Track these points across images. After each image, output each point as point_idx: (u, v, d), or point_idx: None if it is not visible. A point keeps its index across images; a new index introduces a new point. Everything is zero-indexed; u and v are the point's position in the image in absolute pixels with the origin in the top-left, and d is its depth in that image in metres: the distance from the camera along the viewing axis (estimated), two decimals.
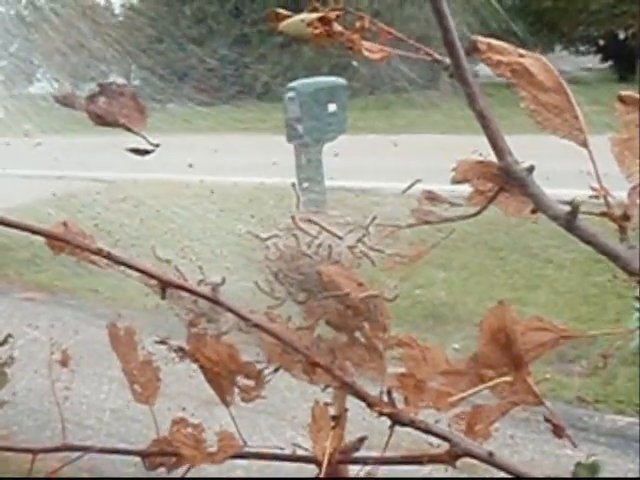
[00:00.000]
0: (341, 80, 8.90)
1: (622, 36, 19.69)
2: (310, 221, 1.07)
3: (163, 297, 1.01)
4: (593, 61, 20.25)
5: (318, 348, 1.02)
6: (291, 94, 8.15)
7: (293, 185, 1.10)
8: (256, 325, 0.97)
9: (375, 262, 1.07)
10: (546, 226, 0.91)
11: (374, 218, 1.05)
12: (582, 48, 20.57)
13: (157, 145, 0.91)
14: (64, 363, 1.13)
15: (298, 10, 0.97)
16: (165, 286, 0.99)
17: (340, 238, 1.06)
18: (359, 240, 1.05)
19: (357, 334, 1.03)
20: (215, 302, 1.00)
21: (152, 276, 0.96)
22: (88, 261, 0.99)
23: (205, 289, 1.04)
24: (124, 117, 0.91)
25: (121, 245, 1.11)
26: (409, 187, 1.07)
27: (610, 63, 19.92)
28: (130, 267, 0.92)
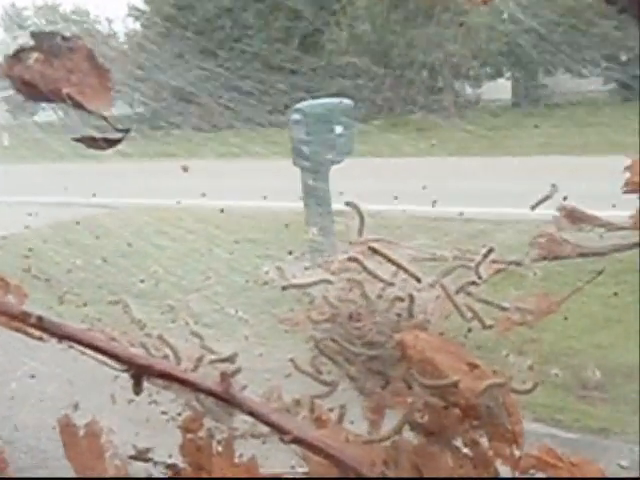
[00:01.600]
0: (347, 101, 8.80)
1: (624, 58, 19.94)
2: (375, 251, 0.68)
3: (137, 391, 0.60)
4: (596, 83, 20.45)
5: (397, 466, 0.62)
6: (297, 116, 8.01)
7: (348, 204, 0.70)
8: (297, 441, 0.57)
9: (485, 321, 0.66)
10: None
11: (490, 251, 0.64)
12: (584, 71, 20.80)
13: (127, 130, 0.53)
14: None
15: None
16: (140, 373, 0.59)
17: (418, 281, 0.66)
18: (462, 288, 0.65)
19: (460, 442, 0.61)
20: (226, 400, 0.60)
21: (116, 357, 0.56)
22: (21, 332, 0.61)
23: (208, 374, 0.65)
24: (72, 85, 0.53)
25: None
26: (540, 202, 0.69)
27: (613, 85, 20.14)
28: (77, 341, 0.53)
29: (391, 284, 0.66)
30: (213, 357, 0.71)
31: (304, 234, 0.75)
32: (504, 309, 0.70)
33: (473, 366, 0.61)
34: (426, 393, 0.63)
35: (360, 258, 0.67)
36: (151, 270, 0.84)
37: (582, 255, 0.71)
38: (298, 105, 8.21)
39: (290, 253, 0.75)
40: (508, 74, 20.39)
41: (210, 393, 0.66)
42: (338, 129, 8.16)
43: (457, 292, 0.68)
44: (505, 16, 19.66)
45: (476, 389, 0.59)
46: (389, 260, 0.66)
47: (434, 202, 1.10)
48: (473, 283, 0.68)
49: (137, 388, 0.66)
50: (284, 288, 0.68)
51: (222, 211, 1.08)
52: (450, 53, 17.08)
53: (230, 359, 0.70)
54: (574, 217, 0.70)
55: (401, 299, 0.68)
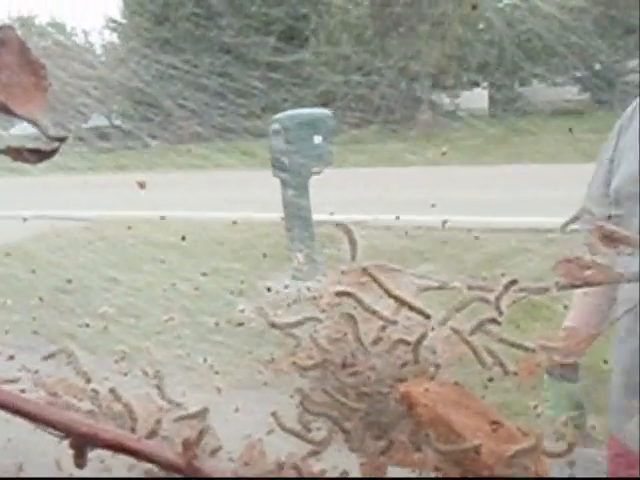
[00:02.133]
0: (326, 111, 8.79)
1: (598, 67, 20.34)
2: (374, 279, 0.56)
3: (79, 464, 0.48)
4: (571, 92, 20.76)
5: None
6: (276, 126, 7.97)
7: (338, 226, 0.58)
8: None
9: (507, 367, 0.54)
10: None
11: (513, 282, 0.52)
12: (559, 80, 21.15)
13: (63, 139, 0.41)
14: None
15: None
16: (82, 443, 0.47)
17: (427, 317, 0.54)
18: (479, 327, 0.53)
19: None
20: (190, 476, 0.47)
21: (52, 424, 0.44)
22: None
23: (171, 436, 0.53)
24: None
25: None
26: (570, 222, 0.58)
27: (588, 94, 20.46)
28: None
29: (393, 322, 0.54)
30: (177, 415, 0.58)
31: (285, 260, 0.63)
32: (528, 350, 0.59)
33: (497, 425, 0.48)
34: (438, 459, 0.51)
35: (354, 292, 0.54)
36: (100, 311, 0.71)
37: (616, 281, 0.60)
38: (277, 115, 8.14)
39: (269, 290, 0.62)
40: (485, 84, 20.51)
41: (170, 467, 0.54)
42: (317, 139, 8.09)
43: (473, 332, 0.56)
44: (481, 26, 19.86)
45: (502, 455, 0.47)
46: (389, 294, 0.54)
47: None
48: (493, 321, 0.56)
49: (79, 460, 0.53)
50: (272, 326, 0.55)
51: (184, 239, 0.95)
52: (428, 63, 17.14)
53: (199, 416, 0.57)
54: (611, 239, 0.59)
55: (406, 342, 0.56)
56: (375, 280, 0.56)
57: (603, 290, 1.49)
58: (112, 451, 0.55)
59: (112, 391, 0.60)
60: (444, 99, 20.26)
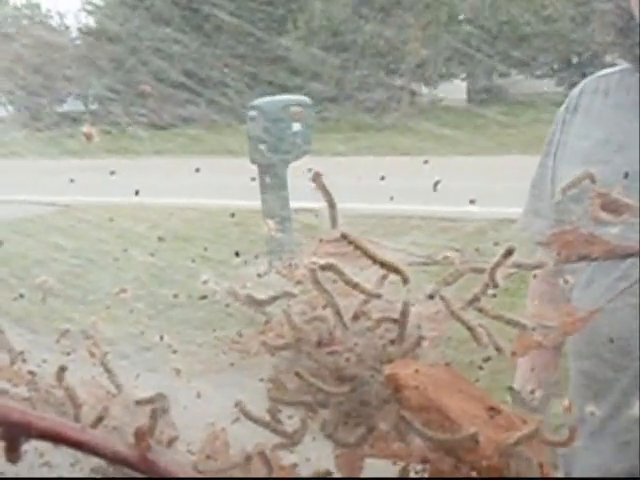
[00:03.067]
0: (305, 98, 8.69)
1: (575, 60, 20.59)
2: (350, 242, 0.49)
3: (12, 458, 0.40)
4: (549, 84, 20.97)
5: None
6: (253, 113, 7.87)
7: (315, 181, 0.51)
8: None
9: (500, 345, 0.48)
10: None
11: (510, 252, 0.45)
12: (538, 72, 21.40)
13: None
14: None
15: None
16: (15, 433, 0.40)
17: (405, 282, 0.47)
18: (474, 299, 0.47)
19: None
20: (144, 470, 0.40)
21: None
22: None
23: (123, 426, 0.45)
24: None
25: None
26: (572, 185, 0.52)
27: (565, 87, 20.71)
28: None
29: (376, 296, 0.47)
30: (129, 401, 0.50)
31: (257, 229, 0.56)
32: (524, 327, 0.52)
33: (494, 411, 0.42)
34: (427, 449, 0.44)
35: (334, 263, 0.48)
36: (38, 280, 0.63)
37: (616, 256, 0.54)
38: (255, 102, 8.04)
39: (237, 254, 0.55)
40: (463, 75, 20.54)
41: (120, 461, 0.46)
42: (296, 126, 8.01)
43: (467, 305, 0.49)
44: (461, 17, 19.88)
45: (501, 444, 0.41)
46: (372, 257, 0.47)
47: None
48: (487, 288, 0.49)
49: (12, 455, 0.46)
50: (241, 302, 0.48)
51: (137, 192, 0.86)
52: (408, 53, 17.10)
53: (153, 402, 0.50)
54: (614, 207, 0.53)
55: (391, 319, 0.49)
56: (354, 244, 0.49)
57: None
58: (51, 442, 0.48)
59: (58, 375, 0.51)
60: (422, 89, 20.26)
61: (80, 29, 18.63)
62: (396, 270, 0.50)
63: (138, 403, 0.54)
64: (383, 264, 0.50)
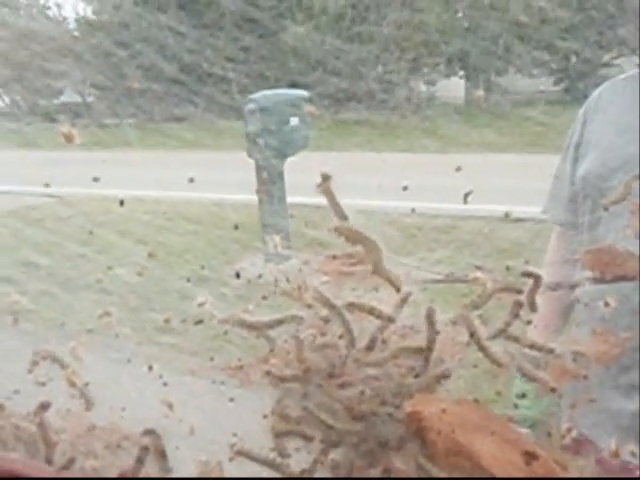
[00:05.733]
0: (304, 93, 8.60)
1: (574, 60, 20.61)
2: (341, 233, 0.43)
3: None
4: (546, 84, 20.98)
5: None
6: (252, 106, 7.76)
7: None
8: None
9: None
10: None
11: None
12: (535, 71, 21.40)
13: None
14: None
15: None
16: None
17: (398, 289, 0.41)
18: (505, 327, 0.39)
19: None
20: None
21: None
22: None
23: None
24: None
25: None
26: None
27: (563, 86, 20.74)
28: None
29: (391, 320, 0.41)
30: (112, 437, 0.44)
31: (256, 239, 0.50)
32: (558, 356, 0.47)
33: (532, 457, 0.36)
34: None
35: (360, 302, 0.41)
36: (10, 300, 0.57)
37: None
38: (253, 95, 7.97)
39: (238, 276, 0.49)
40: (462, 73, 20.46)
41: None
42: (294, 121, 7.95)
43: (497, 334, 0.43)
44: (460, 14, 19.80)
45: None
46: (352, 238, 0.40)
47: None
48: (516, 316, 0.42)
49: None
50: (243, 326, 0.41)
51: (122, 203, 0.80)
52: (406, 50, 17.01)
53: (143, 439, 0.43)
54: None
55: (420, 350, 0.42)
56: (342, 231, 0.42)
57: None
58: None
59: (40, 415, 0.44)
60: (421, 87, 20.19)
61: (77, 20, 18.49)
62: (392, 282, 0.43)
63: (126, 439, 0.47)
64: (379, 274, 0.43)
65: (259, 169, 7.53)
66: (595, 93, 1.74)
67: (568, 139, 1.76)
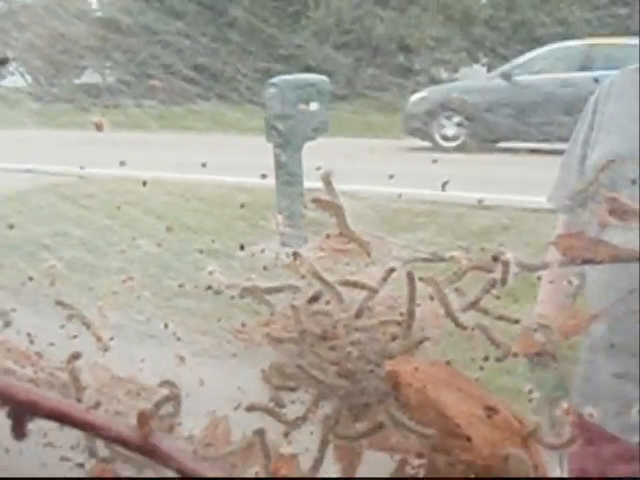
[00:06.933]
0: (324, 78, 8.62)
1: None
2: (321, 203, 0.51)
3: (18, 435, 0.42)
4: None
5: None
6: (272, 90, 7.78)
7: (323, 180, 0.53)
8: None
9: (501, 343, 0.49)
10: None
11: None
12: None
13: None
14: None
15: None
16: (21, 411, 0.41)
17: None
18: (476, 301, 0.48)
19: None
20: (146, 453, 0.42)
21: None
22: None
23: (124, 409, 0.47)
24: None
25: None
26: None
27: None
28: None
29: (375, 291, 0.48)
30: (132, 386, 0.51)
31: (263, 220, 0.56)
32: (528, 329, 0.53)
33: (493, 411, 0.43)
34: (425, 445, 0.45)
35: (329, 247, 0.48)
36: (46, 265, 0.64)
37: (620, 260, 0.54)
38: (273, 79, 7.99)
39: (242, 248, 0.55)
40: (484, 60, 20.29)
41: (122, 442, 0.48)
42: (314, 105, 7.97)
43: (468, 307, 0.50)
44: (484, 1, 19.60)
45: (497, 445, 0.41)
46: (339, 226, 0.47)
47: None
48: (493, 286, 0.49)
49: (18, 431, 0.47)
50: (245, 291, 0.48)
51: (144, 184, 0.88)
52: (428, 36, 16.90)
53: (160, 389, 0.51)
54: (621, 212, 0.53)
55: (396, 322, 0.49)
56: (321, 202, 0.49)
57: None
58: (55, 422, 0.49)
59: (69, 365, 0.52)
60: (442, 74, 20.04)
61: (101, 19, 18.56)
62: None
63: (139, 390, 0.55)
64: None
65: (277, 153, 7.58)
66: (606, 82, 1.78)
67: (577, 127, 1.80)
